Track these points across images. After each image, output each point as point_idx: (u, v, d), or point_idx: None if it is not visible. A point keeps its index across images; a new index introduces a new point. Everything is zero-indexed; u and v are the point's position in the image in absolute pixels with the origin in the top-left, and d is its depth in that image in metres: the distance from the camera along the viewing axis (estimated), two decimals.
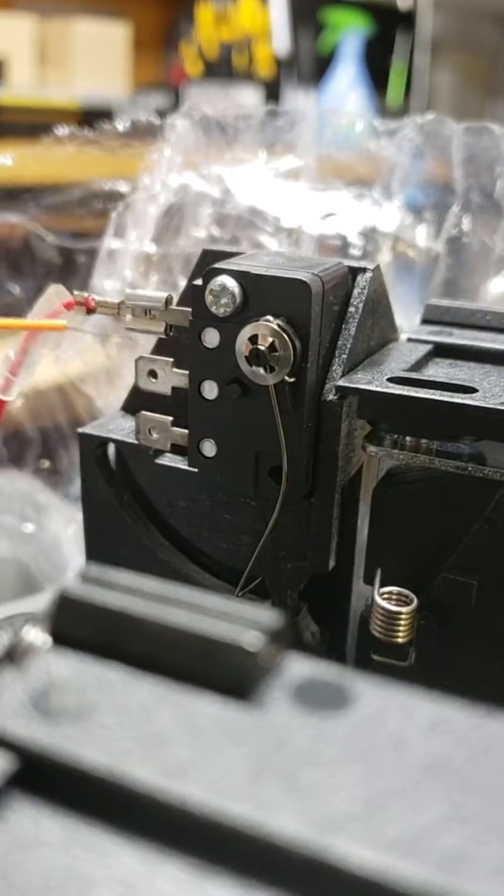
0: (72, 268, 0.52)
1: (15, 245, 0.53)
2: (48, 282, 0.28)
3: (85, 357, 0.49)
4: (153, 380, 0.28)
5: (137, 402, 0.29)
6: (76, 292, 0.27)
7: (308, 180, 0.50)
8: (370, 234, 0.49)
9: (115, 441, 0.29)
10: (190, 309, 0.26)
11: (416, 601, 0.26)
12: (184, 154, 0.49)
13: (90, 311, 0.27)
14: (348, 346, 0.26)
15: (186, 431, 0.27)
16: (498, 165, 0.46)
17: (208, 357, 0.26)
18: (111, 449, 0.30)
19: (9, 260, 0.54)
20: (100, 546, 0.31)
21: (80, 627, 0.14)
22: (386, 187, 0.49)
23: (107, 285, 0.47)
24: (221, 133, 0.49)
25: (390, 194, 0.49)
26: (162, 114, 0.53)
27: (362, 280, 0.27)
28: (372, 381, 0.25)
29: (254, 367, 0.24)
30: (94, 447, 0.30)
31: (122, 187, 0.51)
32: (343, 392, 0.25)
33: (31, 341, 0.28)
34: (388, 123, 0.49)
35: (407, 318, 0.34)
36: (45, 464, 0.53)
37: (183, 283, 0.45)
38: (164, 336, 0.27)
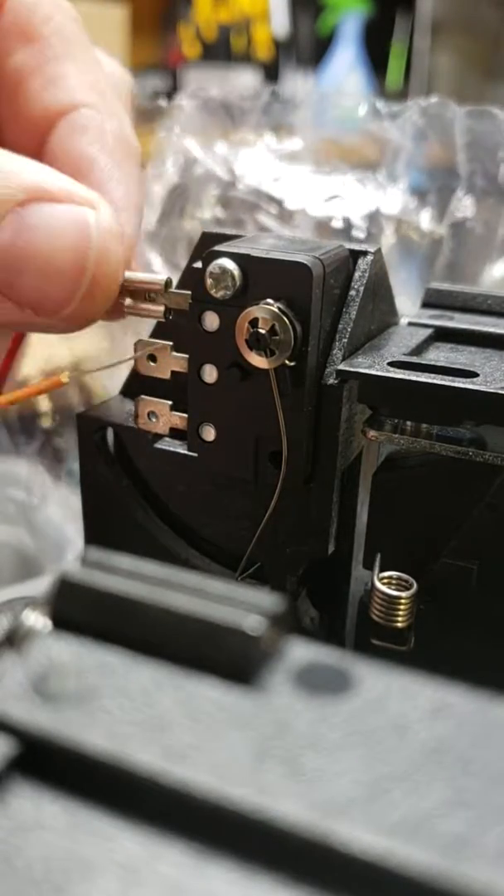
0: None
1: None
2: None
3: (90, 339, 0.49)
4: (152, 364, 0.27)
5: (136, 385, 0.29)
6: None
7: (311, 163, 0.50)
8: (374, 217, 0.48)
9: (113, 425, 0.29)
10: (189, 292, 0.25)
11: (415, 586, 0.26)
12: (189, 135, 0.48)
13: None
14: (349, 329, 0.26)
15: (186, 416, 0.27)
16: (501, 150, 0.45)
17: (208, 340, 0.25)
18: (110, 433, 0.30)
19: None
20: (99, 530, 0.31)
21: (81, 611, 0.14)
22: (390, 170, 0.48)
23: None
24: (226, 114, 0.49)
25: (395, 177, 0.48)
26: (159, 96, 0.53)
27: (363, 263, 0.26)
28: (373, 365, 0.25)
29: (254, 351, 0.24)
30: (92, 431, 0.29)
31: None
32: (343, 376, 0.25)
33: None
34: (391, 106, 0.49)
35: (411, 302, 0.33)
36: (48, 446, 0.53)
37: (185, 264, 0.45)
38: (163, 319, 0.27)
